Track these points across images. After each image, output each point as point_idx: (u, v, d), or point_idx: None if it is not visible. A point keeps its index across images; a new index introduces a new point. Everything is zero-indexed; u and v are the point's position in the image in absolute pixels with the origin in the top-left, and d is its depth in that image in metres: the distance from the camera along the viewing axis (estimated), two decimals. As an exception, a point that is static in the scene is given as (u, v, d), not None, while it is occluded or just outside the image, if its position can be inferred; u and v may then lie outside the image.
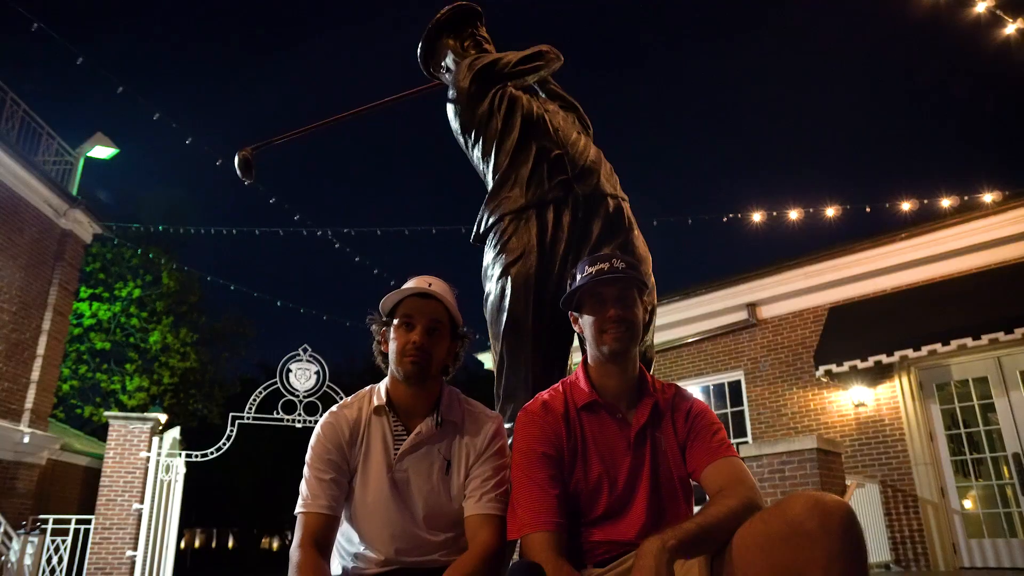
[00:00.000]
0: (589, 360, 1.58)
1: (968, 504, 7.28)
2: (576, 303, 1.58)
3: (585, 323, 1.55)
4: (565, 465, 1.48)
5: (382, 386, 1.62)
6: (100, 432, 15.05)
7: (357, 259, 12.60)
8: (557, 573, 1.30)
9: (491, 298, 2.36)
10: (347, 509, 1.55)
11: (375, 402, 1.58)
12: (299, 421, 9.84)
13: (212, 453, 9.54)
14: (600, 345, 1.51)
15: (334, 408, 1.61)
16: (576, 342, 2.42)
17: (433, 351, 1.54)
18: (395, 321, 1.57)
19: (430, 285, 1.58)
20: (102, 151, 11.80)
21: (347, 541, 1.57)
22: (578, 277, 1.56)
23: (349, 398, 1.66)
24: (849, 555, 1.07)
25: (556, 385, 1.62)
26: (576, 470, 1.48)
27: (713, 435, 1.48)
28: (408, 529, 1.50)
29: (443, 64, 2.89)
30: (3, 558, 7.41)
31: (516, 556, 1.50)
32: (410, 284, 1.60)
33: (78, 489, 11.60)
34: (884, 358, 7.23)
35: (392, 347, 1.56)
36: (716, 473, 1.41)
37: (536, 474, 1.45)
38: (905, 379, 7.63)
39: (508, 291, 2.29)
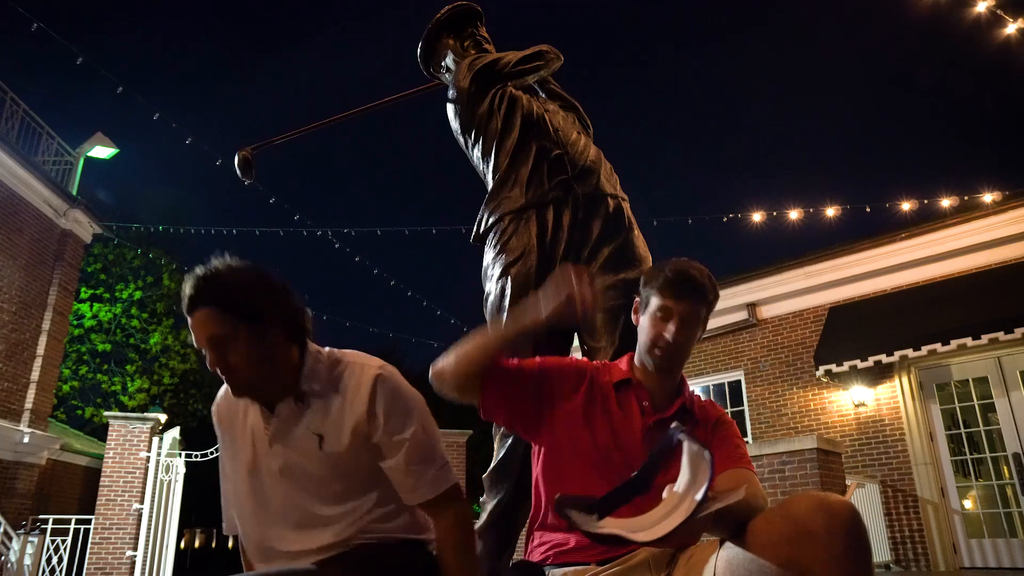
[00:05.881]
0: (635, 356, 1.60)
1: (968, 504, 7.28)
2: (646, 297, 1.57)
3: (643, 324, 1.56)
4: (573, 422, 1.51)
5: None
6: (100, 432, 15.04)
7: (357, 259, 12.62)
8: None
9: (491, 298, 2.36)
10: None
11: None
12: (299, 421, 9.83)
13: (212, 453, 9.53)
14: (647, 353, 1.54)
15: None
16: (576, 342, 2.42)
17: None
18: None
19: None
20: (102, 151, 11.80)
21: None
22: (663, 275, 1.52)
23: None
24: (854, 556, 1.06)
25: (597, 363, 1.65)
26: (584, 431, 1.49)
27: (735, 447, 1.51)
28: None
29: (443, 64, 2.89)
30: (3, 558, 7.41)
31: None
32: None
33: (78, 489, 11.60)
34: (884, 358, 7.23)
35: None
36: (729, 478, 1.41)
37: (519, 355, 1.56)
38: (905, 379, 7.63)
39: (508, 291, 2.29)
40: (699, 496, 1.07)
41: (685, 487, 1.13)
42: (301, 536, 1.35)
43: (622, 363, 1.61)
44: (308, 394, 1.37)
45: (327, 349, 1.45)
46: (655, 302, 1.52)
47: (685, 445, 1.16)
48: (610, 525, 1.14)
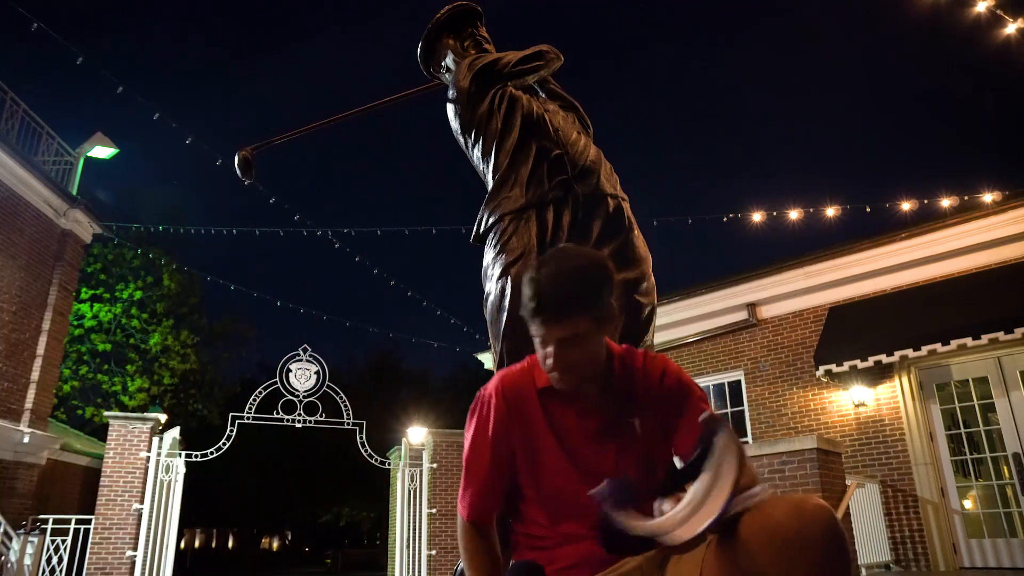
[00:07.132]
0: None
1: (968, 504, 7.28)
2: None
3: (535, 343, 1.39)
4: (523, 458, 1.44)
5: None
6: (100, 432, 15.05)
7: (357, 259, 12.67)
8: (479, 559, 1.42)
9: (491, 298, 2.36)
10: None
11: None
12: (299, 421, 9.86)
13: (212, 453, 9.54)
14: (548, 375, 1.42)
15: None
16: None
17: None
18: None
19: None
20: (102, 151, 11.80)
21: None
22: (524, 300, 1.34)
23: None
24: (831, 564, 1.03)
25: (524, 362, 1.52)
26: (540, 464, 1.43)
27: (699, 411, 1.35)
28: None
29: (443, 64, 2.90)
30: (3, 558, 7.41)
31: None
32: None
33: (78, 489, 11.60)
34: (884, 358, 7.23)
35: None
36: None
37: (483, 462, 1.46)
38: (905, 379, 7.64)
39: (508, 291, 2.29)
40: (726, 496, 1.06)
41: (708, 482, 1.10)
42: None
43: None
44: None
45: None
46: (531, 328, 1.35)
47: (717, 436, 1.12)
48: (638, 527, 1.12)
